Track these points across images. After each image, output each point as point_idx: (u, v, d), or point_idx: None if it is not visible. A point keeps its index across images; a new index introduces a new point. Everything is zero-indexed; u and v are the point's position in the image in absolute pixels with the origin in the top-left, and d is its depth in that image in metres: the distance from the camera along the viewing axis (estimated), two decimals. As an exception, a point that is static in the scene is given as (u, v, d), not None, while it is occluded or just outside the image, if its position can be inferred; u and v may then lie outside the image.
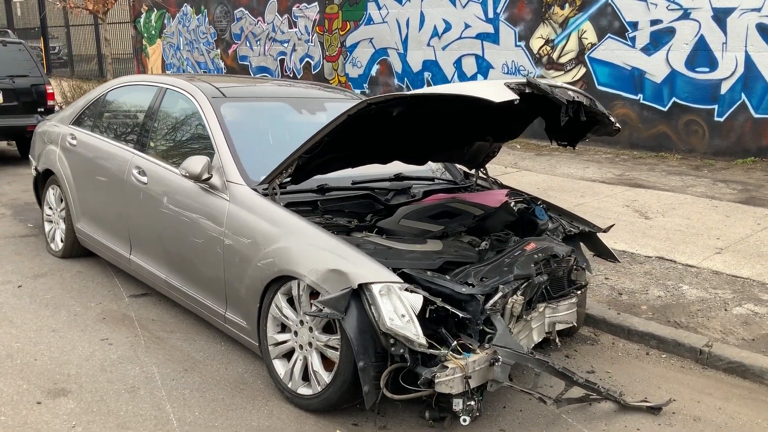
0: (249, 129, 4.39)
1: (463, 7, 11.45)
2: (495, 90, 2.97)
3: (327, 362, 3.28)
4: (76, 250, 5.54)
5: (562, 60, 10.35)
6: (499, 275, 3.26)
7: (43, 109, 9.76)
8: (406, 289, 3.04)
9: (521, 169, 8.87)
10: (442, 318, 3.15)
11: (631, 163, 9.19)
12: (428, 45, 12.09)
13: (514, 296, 3.32)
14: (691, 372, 3.92)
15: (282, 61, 15.09)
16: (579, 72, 10.14)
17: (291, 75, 14.90)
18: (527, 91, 3.09)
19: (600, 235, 4.32)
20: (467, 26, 11.46)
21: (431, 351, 2.96)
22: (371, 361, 3.05)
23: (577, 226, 4.21)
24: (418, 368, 2.98)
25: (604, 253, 4.33)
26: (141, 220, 4.54)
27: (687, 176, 8.32)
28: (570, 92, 3.31)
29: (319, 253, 3.27)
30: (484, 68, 11.37)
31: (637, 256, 5.50)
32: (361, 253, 3.19)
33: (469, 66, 11.55)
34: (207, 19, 17.01)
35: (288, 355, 3.48)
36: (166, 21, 18.58)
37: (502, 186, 4.72)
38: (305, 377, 3.38)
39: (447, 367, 2.94)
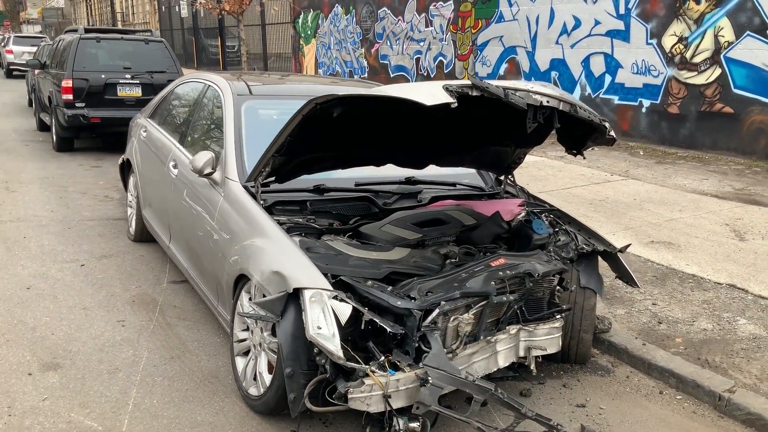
0: (265, 127, 4.42)
1: (594, 2, 10.78)
2: (430, 92, 2.75)
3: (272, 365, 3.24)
4: (145, 234, 5.92)
5: (696, 60, 9.39)
6: (445, 290, 3.03)
7: (177, 104, 10.57)
8: (336, 298, 2.91)
9: (628, 178, 8.19)
10: (381, 331, 2.98)
11: (762, 177, 8.14)
12: (557, 43, 11.52)
13: (466, 314, 3.07)
14: (701, 419, 3.40)
15: (418, 60, 15.12)
16: (713, 73, 9.14)
17: (425, 74, 14.90)
18: (473, 94, 2.84)
19: (621, 256, 3.87)
20: (597, 23, 10.77)
21: (350, 364, 2.82)
22: (302, 368, 2.96)
23: (592, 243, 3.81)
24: (337, 381, 2.86)
25: (625, 275, 3.88)
26: (174, 209, 4.77)
27: (821, 194, 7.23)
28: (537, 96, 2.99)
29: (269, 254, 3.24)
30: (612, 67, 10.63)
31: (705, 281, 4.87)
32: (305, 257, 3.11)
33: (597, 65, 10.86)
34: (354, 19, 17.47)
35: (247, 353, 3.49)
36: (320, 21, 19.34)
37: (530, 195, 4.38)
38: (256, 377, 3.37)
39: (364, 383, 2.79)
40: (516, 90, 2.94)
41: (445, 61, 14.26)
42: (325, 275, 3.01)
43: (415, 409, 2.84)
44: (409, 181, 4.25)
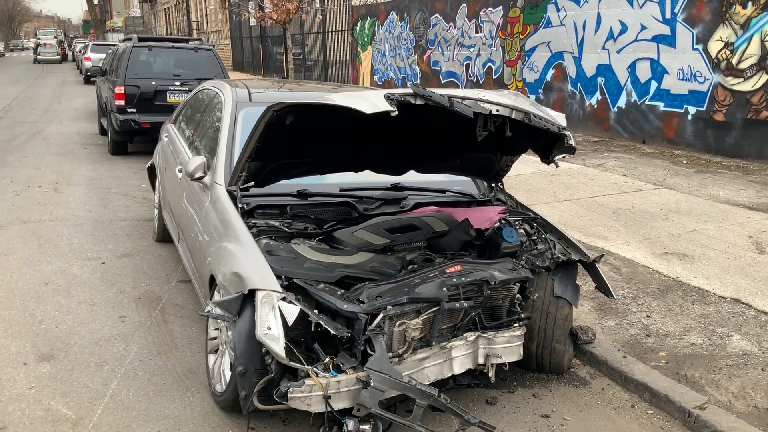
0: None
1: (640, 7, 10.51)
2: (371, 101, 2.80)
3: (236, 363, 3.35)
4: (167, 235, 6.16)
5: (742, 66, 9.04)
6: (394, 295, 3.07)
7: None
8: (285, 299, 3.00)
9: (662, 187, 7.95)
10: (329, 333, 3.05)
11: (806, 188, 7.77)
12: (603, 48, 11.29)
13: (415, 319, 3.10)
14: (667, 436, 3.32)
15: (467, 66, 15.08)
16: (759, 80, 8.78)
17: (474, 80, 14.84)
18: (416, 102, 2.87)
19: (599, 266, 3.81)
20: (643, 28, 10.50)
21: (292, 364, 2.90)
22: (255, 367, 3.05)
23: (568, 252, 3.76)
24: (282, 380, 2.95)
25: (602, 286, 3.82)
26: (179, 211, 4.97)
27: None
28: (486, 105, 3.00)
29: (234, 256, 3.35)
30: (658, 73, 10.33)
31: (709, 294, 4.71)
32: (264, 260, 3.20)
33: (643, 71, 10.57)
34: (408, 25, 17.56)
35: (217, 351, 3.61)
36: (376, 28, 19.52)
37: (517, 203, 4.35)
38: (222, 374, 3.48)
39: (305, 383, 2.87)
40: (463, 98, 2.95)
41: (494, 67, 14.18)
42: (279, 278, 3.10)
43: (356, 410, 2.90)
44: (396, 187, 4.29)
